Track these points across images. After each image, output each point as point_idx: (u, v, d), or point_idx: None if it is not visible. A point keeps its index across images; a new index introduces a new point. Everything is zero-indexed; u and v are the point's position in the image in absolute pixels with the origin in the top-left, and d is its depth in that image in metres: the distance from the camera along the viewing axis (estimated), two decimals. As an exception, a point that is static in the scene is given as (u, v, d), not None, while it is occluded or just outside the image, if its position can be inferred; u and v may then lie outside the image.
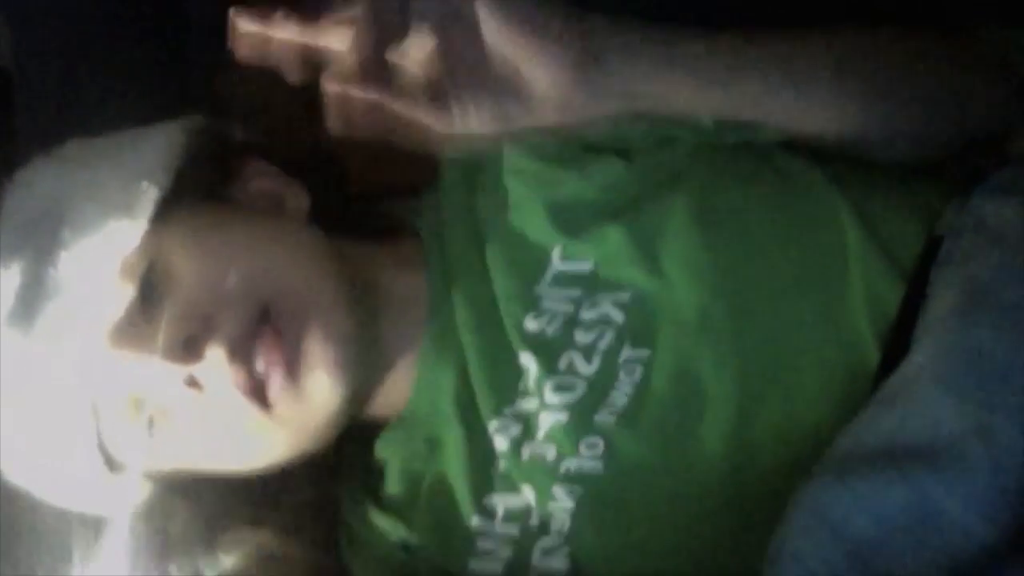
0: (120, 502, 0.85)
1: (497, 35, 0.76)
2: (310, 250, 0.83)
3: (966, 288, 0.69)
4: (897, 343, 0.73)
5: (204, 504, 0.86)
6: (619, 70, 0.77)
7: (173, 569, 0.85)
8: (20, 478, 0.84)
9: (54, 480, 0.84)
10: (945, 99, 0.82)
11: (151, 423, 0.79)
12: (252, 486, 0.86)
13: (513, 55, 0.76)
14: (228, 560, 0.85)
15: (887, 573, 0.61)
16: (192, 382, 0.76)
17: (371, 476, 0.86)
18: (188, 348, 0.76)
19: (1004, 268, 0.69)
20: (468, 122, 0.77)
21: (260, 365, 0.77)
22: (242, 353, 0.76)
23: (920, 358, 0.68)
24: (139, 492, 0.86)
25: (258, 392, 0.77)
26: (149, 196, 0.80)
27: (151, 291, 0.78)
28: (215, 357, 0.76)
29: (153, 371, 0.77)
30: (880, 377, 0.72)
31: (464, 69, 0.76)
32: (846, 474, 0.64)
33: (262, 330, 0.77)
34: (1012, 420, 0.63)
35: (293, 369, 0.77)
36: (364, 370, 0.80)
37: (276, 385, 0.77)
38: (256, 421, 0.78)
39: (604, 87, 0.77)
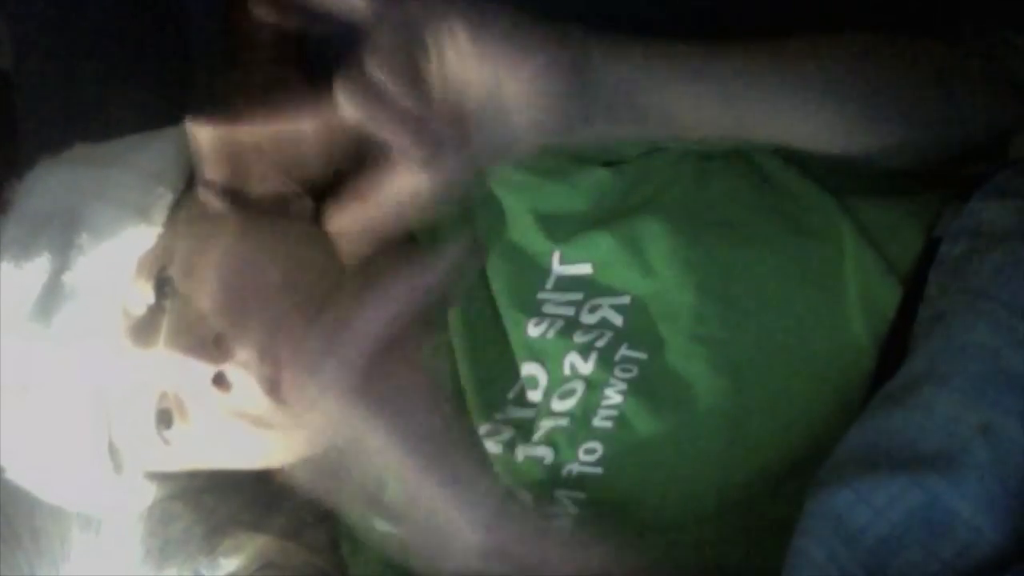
0: (124, 506, 0.86)
1: (471, 54, 0.67)
2: (326, 251, 0.83)
3: (966, 288, 0.69)
4: (894, 346, 0.73)
5: (205, 508, 0.86)
6: (607, 80, 0.71)
7: (173, 573, 0.85)
8: (24, 478, 0.84)
9: (60, 481, 0.85)
10: (943, 109, 0.81)
11: (169, 421, 0.80)
12: (252, 490, 0.86)
13: (490, 74, 0.68)
14: (229, 565, 0.85)
15: None
16: (220, 379, 0.77)
17: (370, 479, 0.86)
18: (218, 346, 0.76)
19: (1005, 268, 0.68)
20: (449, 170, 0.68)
21: (285, 365, 0.77)
22: (271, 352, 0.77)
23: (922, 359, 0.68)
24: (143, 496, 0.86)
25: (281, 392, 0.77)
26: (163, 198, 0.81)
27: (169, 290, 0.78)
28: (244, 356, 0.76)
29: (179, 368, 0.77)
30: (876, 380, 0.72)
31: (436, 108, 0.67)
32: (855, 479, 0.63)
33: (288, 330, 0.77)
34: (1015, 418, 0.62)
35: (318, 371, 0.77)
36: None
37: (300, 386, 0.77)
38: (276, 421, 0.78)
39: (592, 100, 0.71)
